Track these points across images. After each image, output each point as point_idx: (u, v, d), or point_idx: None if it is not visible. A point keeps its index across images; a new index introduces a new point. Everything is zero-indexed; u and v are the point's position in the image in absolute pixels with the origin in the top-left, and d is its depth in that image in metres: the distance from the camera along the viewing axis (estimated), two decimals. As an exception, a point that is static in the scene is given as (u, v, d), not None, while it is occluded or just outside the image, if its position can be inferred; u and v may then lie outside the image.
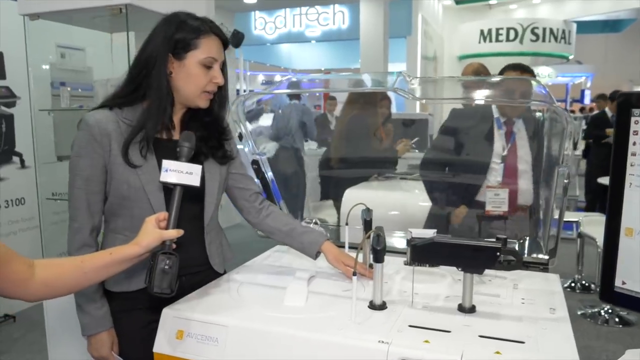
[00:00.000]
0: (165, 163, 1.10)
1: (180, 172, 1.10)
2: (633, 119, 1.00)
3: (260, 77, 17.25)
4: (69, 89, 2.88)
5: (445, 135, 2.30)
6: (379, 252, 1.15)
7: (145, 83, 1.21)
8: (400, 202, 2.50)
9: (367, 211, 1.44)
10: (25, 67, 3.13)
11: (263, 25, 9.71)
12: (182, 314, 1.17)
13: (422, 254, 1.17)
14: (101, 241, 1.30)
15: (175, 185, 1.11)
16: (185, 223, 1.25)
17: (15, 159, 3.64)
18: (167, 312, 1.19)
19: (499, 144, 2.09)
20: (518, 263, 1.11)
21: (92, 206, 1.22)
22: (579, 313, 3.52)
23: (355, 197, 2.43)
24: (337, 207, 2.55)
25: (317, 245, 1.39)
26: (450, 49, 10.96)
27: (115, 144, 1.20)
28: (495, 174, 2.09)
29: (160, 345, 1.16)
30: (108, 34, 2.88)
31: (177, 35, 1.20)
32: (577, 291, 3.96)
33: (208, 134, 1.30)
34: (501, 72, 2.26)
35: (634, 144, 1.01)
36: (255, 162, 1.61)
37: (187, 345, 1.13)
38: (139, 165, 1.20)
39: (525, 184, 2.08)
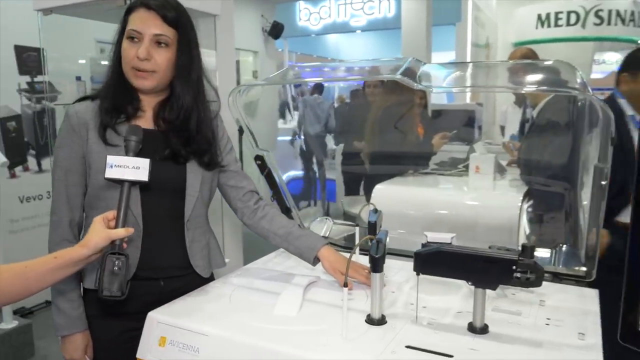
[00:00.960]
0: (110, 159, 1.04)
1: (126, 168, 1.04)
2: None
3: (308, 70, 17.18)
4: (85, 82, 2.94)
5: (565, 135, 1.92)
6: (377, 260, 1.03)
7: None
8: (433, 200, 2.31)
9: (375, 212, 1.30)
10: (66, 63, 3.22)
11: (307, 16, 9.57)
12: (166, 320, 1.11)
13: (427, 264, 1.03)
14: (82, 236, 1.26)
15: (122, 181, 1.05)
16: (164, 221, 1.19)
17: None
18: (152, 317, 1.13)
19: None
20: (537, 280, 0.94)
21: (71, 199, 1.19)
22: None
23: (384, 193, 2.28)
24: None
25: (314, 250, 1.27)
26: (505, 36, 10.22)
27: (93, 133, 1.17)
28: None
29: (142, 351, 1.10)
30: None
31: (124, 17, 1.18)
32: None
33: (188, 137, 1.22)
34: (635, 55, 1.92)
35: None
36: (259, 158, 1.52)
37: (169, 353, 1.07)
38: (117, 145, 1.15)
39: None
